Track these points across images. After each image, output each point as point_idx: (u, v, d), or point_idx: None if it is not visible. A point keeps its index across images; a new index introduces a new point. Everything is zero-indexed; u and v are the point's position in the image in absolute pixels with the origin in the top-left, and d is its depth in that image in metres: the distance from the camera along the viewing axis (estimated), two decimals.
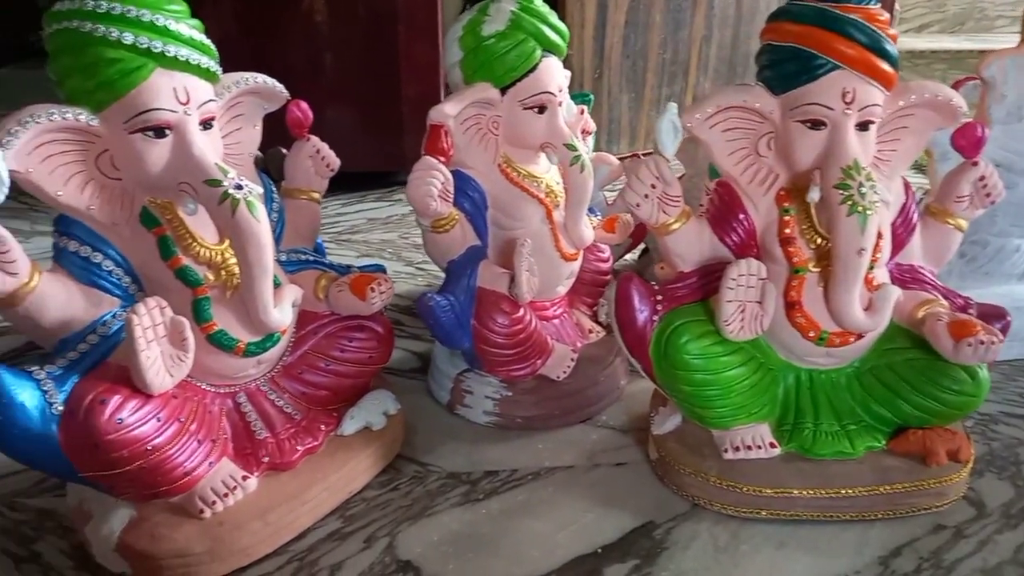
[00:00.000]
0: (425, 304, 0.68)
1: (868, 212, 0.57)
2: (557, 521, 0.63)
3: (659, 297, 0.64)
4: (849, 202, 0.57)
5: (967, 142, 0.65)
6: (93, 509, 0.57)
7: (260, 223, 0.55)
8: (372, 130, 1.41)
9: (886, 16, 0.59)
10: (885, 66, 0.58)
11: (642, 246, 1.08)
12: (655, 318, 0.64)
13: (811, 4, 0.59)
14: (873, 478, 0.62)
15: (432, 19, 1.37)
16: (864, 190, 0.57)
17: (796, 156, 0.61)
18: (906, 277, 0.67)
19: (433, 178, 0.65)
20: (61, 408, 0.50)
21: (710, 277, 0.65)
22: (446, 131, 0.67)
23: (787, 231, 0.62)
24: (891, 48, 0.58)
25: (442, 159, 0.66)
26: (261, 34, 1.38)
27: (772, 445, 0.64)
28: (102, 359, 0.54)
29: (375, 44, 1.38)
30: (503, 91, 0.70)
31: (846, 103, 0.58)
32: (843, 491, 0.62)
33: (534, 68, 0.69)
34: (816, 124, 0.59)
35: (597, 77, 1.60)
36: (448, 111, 0.66)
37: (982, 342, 0.58)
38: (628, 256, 1.10)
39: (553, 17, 0.70)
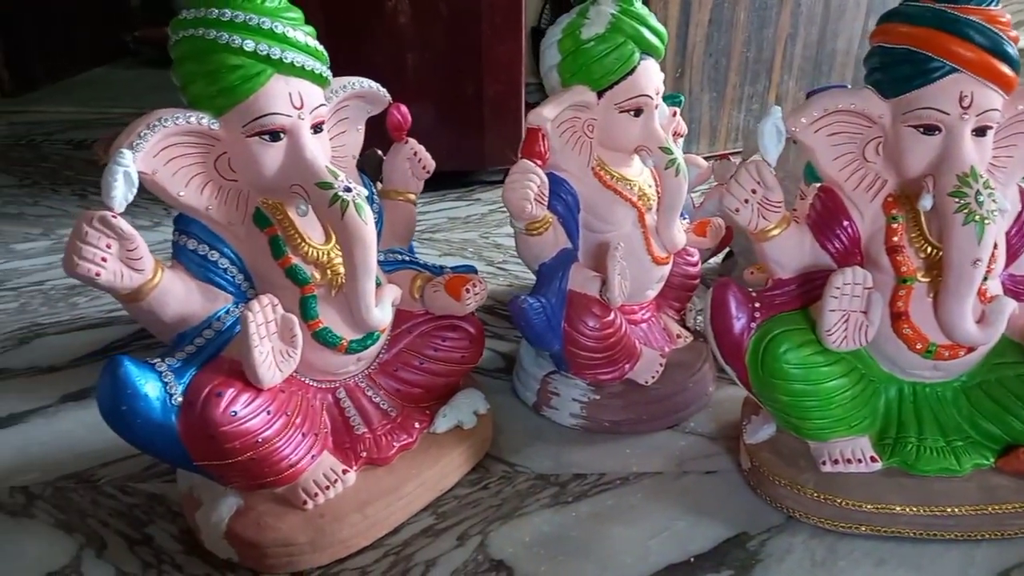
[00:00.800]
0: (518, 306, 0.68)
1: (986, 221, 0.55)
2: (648, 527, 0.63)
3: (757, 304, 0.63)
4: (965, 211, 0.55)
5: None
6: (202, 496, 0.60)
7: (367, 225, 0.56)
8: (452, 129, 1.42)
9: (1008, 18, 0.57)
10: (1006, 69, 0.56)
11: (726, 250, 1.06)
12: (752, 325, 0.63)
13: (927, 5, 0.57)
14: (980, 497, 0.60)
15: (515, 19, 1.37)
16: (981, 198, 0.55)
17: (907, 162, 0.59)
18: (1020, 289, 0.64)
19: (530, 181, 0.65)
20: (180, 399, 0.52)
21: (810, 285, 0.63)
22: (543, 135, 0.67)
23: (895, 239, 0.60)
24: (1012, 51, 0.56)
25: (539, 162, 0.67)
26: (345, 35, 1.40)
27: (873, 459, 0.62)
28: (217, 353, 0.56)
29: (457, 44, 1.39)
30: (600, 94, 0.69)
31: (963, 107, 0.56)
32: (948, 509, 0.60)
33: (632, 71, 0.69)
34: (930, 129, 0.57)
35: (679, 76, 1.58)
36: (547, 115, 0.67)
37: None
38: (711, 260, 1.08)
39: (652, 19, 0.70)
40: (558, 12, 1.87)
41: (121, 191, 0.50)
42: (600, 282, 0.70)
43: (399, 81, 1.42)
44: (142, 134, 0.52)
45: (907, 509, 0.60)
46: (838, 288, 0.59)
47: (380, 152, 0.75)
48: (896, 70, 0.58)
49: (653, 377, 0.75)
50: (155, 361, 0.53)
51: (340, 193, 0.55)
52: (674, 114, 0.83)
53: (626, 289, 0.70)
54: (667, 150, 0.70)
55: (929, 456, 0.62)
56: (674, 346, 0.80)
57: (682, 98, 0.90)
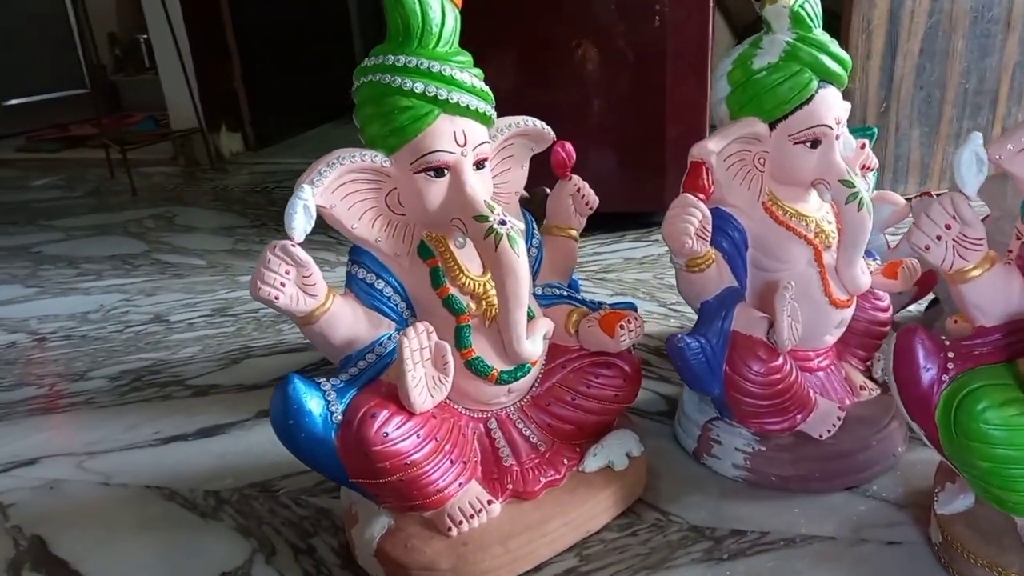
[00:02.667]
0: (674, 345, 0.65)
1: None
2: None
3: (950, 354, 0.56)
4: None
5: None
6: (360, 514, 0.63)
7: (520, 258, 0.57)
8: (633, 171, 1.42)
9: None
10: None
11: (930, 296, 0.95)
12: (944, 378, 0.56)
13: None
14: None
15: (702, 58, 1.35)
16: None
17: None
18: None
19: (690, 215, 0.63)
20: (340, 418, 0.56)
21: (1019, 335, 0.55)
22: (707, 168, 0.65)
23: None
24: None
25: (701, 196, 0.64)
26: (534, 81, 1.45)
27: None
28: (377, 376, 0.59)
29: (641, 87, 1.39)
30: (772, 125, 0.66)
31: None
32: None
33: (809, 100, 0.65)
34: None
35: (883, 111, 1.47)
36: (711, 147, 0.64)
37: None
38: (913, 307, 0.98)
39: (834, 46, 0.65)
40: None
41: (301, 222, 0.54)
42: (768, 324, 0.65)
43: (584, 124, 1.45)
44: (322, 171, 0.57)
45: None
46: None
47: (548, 189, 0.76)
48: None
49: (829, 431, 0.68)
50: (320, 380, 0.57)
51: (495, 226, 0.57)
52: (862, 146, 0.77)
53: (797, 333, 0.65)
54: (848, 183, 0.65)
55: None
56: (856, 398, 0.73)
57: (875, 130, 0.83)
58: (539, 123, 0.67)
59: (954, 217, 0.54)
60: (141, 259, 1.54)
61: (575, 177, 0.72)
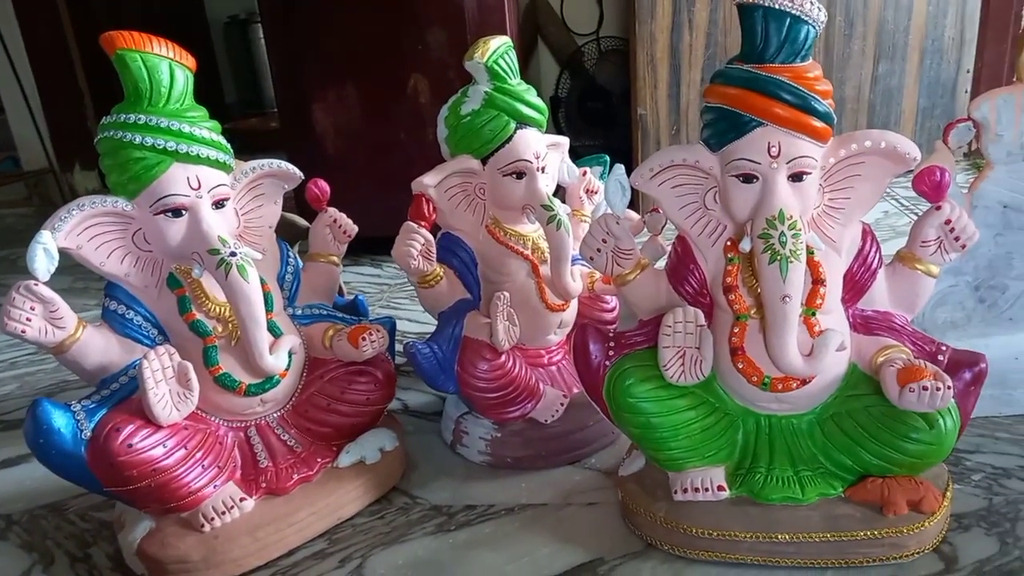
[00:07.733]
0: (408, 350, 0.76)
1: (789, 260, 0.59)
2: (512, 553, 0.68)
3: (611, 344, 0.69)
4: (771, 251, 0.59)
5: (928, 187, 0.64)
6: (126, 520, 0.70)
7: (249, 284, 0.66)
8: None
9: (816, 73, 0.61)
10: (813, 121, 0.60)
11: None
12: (607, 363, 0.68)
13: (739, 67, 0.62)
14: (821, 525, 0.62)
15: None
16: (784, 239, 0.59)
17: (733, 208, 0.63)
18: (875, 324, 0.66)
19: (412, 240, 0.74)
20: (89, 434, 0.63)
21: None
22: (427, 199, 0.76)
23: (728, 280, 0.65)
24: (818, 104, 0.60)
25: (423, 223, 0.75)
26: (375, 114, 1.51)
27: (720, 488, 0.65)
28: (130, 395, 0.67)
29: None
30: (484, 161, 0.78)
31: (772, 156, 0.61)
32: (786, 536, 0.62)
33: (509, 139, 0.77)
34: (748, 178, 0.62)
35: (674, 132, 1.64)
36: (427, 182, 0.76)
37: (925, 388, 0.58)
38: None
39: (530, 94, 0.78)
40: (576, 80, 1.98)
41: (43, 264, 0.62)
42: (490, 328, 0.77)
43: (423, 154, 1.52)
44: (63, 217, 0.64)
45: (747, 536, 0.63)
46: (670, 326, 0.64)
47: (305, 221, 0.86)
48: (716, 126, 0.64)
49: (553, 416, 0.80)
50: (71, 403, 0.64)
51: (226, 257, 0.66)
52: (584, 174, 0.90)
53: (515, 334, 0.77)
54: (547, 207, 0.77)
55: (774, 485, 0.64)
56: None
57: (607, 158, 0.97)
58: (285, 164, 0.77)
59: (608, 233, 0.67)
60: None
61: (331, 209, 0.82)
